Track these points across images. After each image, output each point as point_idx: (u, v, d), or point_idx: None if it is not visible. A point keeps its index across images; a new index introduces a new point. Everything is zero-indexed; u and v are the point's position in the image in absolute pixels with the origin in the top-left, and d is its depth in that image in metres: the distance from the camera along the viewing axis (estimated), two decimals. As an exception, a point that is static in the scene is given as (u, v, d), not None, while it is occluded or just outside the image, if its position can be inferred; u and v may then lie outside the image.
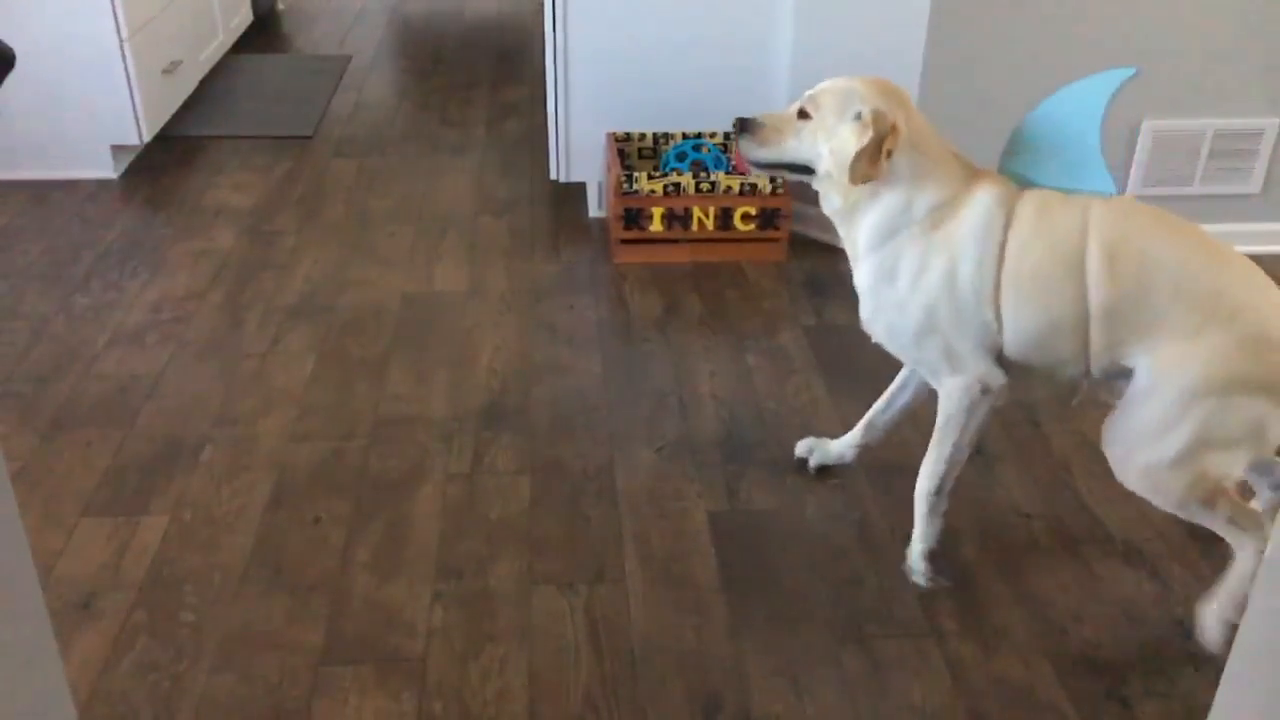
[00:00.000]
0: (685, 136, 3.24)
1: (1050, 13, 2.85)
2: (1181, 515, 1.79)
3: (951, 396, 1.88)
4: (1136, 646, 1.85)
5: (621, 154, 3.23)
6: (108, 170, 3.54)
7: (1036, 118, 1.91)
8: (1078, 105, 1.88)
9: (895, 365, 2.08)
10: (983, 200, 1.80)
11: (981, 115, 2.61)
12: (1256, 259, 1.77)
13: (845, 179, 1.84)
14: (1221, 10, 2.88)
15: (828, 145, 1.86)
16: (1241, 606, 1.84)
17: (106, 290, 2.89)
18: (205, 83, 4.22)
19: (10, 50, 1.01)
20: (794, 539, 2.07)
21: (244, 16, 4.78)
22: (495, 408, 2.44)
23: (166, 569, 1.98)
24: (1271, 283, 1.73)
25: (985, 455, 2.29)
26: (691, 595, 1.94)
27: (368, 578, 1.97)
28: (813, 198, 1.99)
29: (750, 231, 3.04)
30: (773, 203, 3.01)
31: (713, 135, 3.23)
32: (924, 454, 1.94)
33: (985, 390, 1.85)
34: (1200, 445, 1.70)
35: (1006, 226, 1.78)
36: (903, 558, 2.00)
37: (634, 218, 3.01)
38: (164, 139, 3.78)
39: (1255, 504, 1.97)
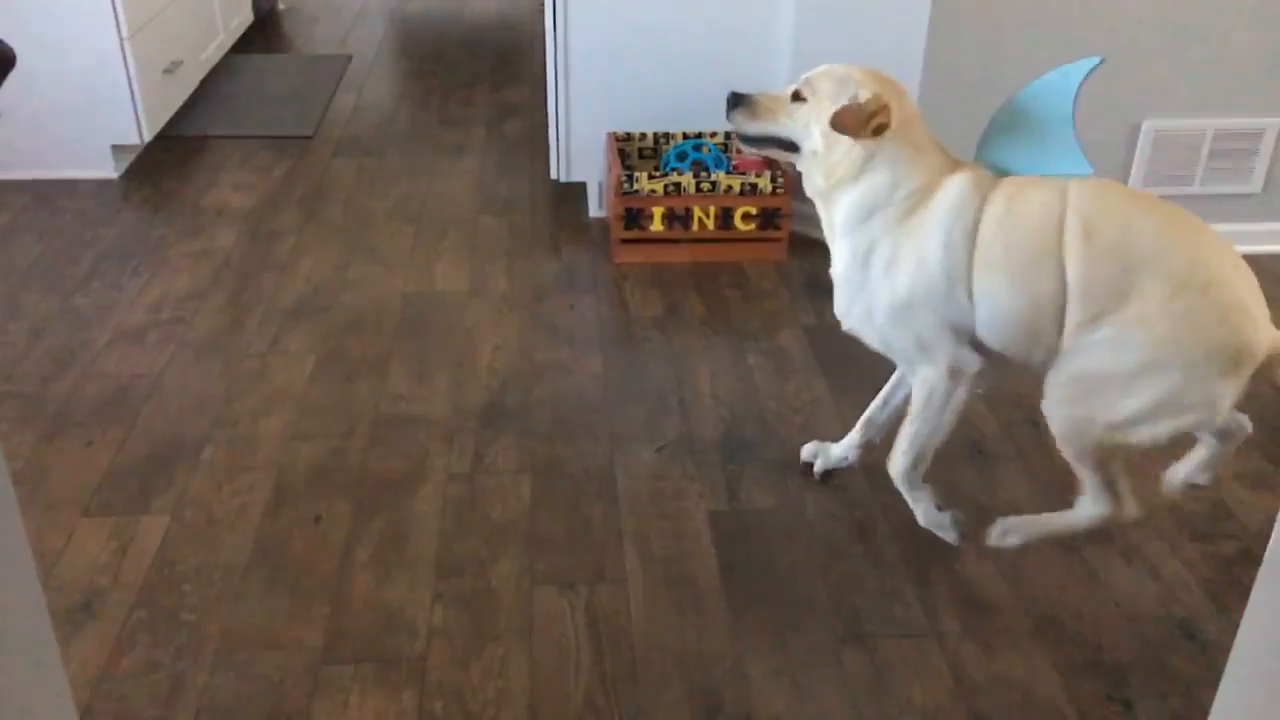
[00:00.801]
0: (686, 136, 3.24)
1: (1050, 12, 2.86)
2: (1072, 461, 1.81)
3: (925, 383, 1.89)
4: (1136, 646, 1.85)
5: (622, 154, 3.23)
6: (108, 170, 3.54)
7: (1009, 109, 1.94)
8: (1049, 94, 1.90)
9: (894, 363, 2.08)
10: (957, 183, 1.83)
11: (981, 114, 2.60)
12: (1257, 259, 1.77)
13: (832, 157, 1.85)
14: (1222, 10, 2.88)
15: (819, 127, 1.88)
16: (1039, 538, 1.95)
17: (107, 290, 2.89)
18: (206, 83, 4.22)
19: (10, 50, 1.01)
20: (794, 539, 2.08)
21: (244, 16, 4.78)
22: (496, 407, 2.44)
23: (167, 569, 1.99)
24: (1243, 260, 1.73)
25: (985, 455, 2.29)
26: (692, 595, 1.94)
27: (368, 577, 1.97)
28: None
29: (751, 231, 3.05)
30: (773, 202, 3.01)
31: (713, 135, 3.23)
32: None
33: (958, 376, 1.87)
34: (1154, 411, 1.71)
35: (980, 208, 1.80)
36: (903, 558, 2.00)
37: (634, 217, 3.01)
38: (164, 139, 3.77)
39: (1197, 451, 1.99)
